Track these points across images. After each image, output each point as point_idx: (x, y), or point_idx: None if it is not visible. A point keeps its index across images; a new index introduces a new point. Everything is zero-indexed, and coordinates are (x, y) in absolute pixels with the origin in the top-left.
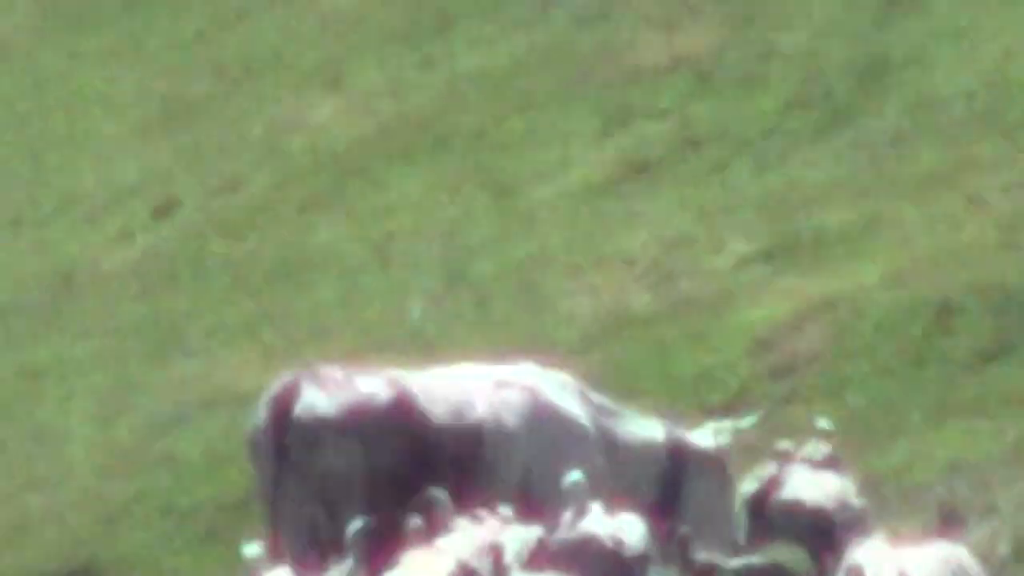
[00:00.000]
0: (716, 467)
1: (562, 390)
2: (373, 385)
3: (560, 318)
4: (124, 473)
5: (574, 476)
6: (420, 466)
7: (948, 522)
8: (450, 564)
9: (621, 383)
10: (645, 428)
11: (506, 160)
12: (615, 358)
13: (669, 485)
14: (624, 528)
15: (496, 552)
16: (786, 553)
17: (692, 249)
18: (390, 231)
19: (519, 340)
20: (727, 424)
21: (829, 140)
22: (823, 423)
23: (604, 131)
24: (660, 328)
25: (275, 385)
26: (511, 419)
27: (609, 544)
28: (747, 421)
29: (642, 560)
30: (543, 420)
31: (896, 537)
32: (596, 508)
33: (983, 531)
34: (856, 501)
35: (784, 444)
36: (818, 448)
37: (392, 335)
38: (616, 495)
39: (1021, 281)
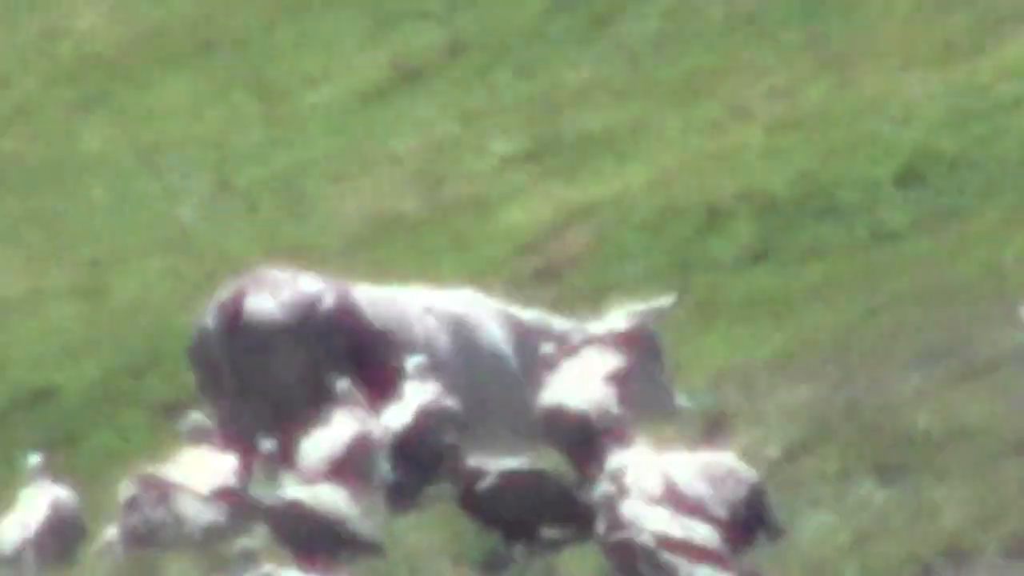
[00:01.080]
0: (646, 344)
1: (489, 318)
2: (317, 287)
3: (327, 222)
4: None
5: (415, 359)
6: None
7: (714, 428)
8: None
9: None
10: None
11: (274, 65)
12: (381, 261)
13: None
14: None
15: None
16: (547, 459)
17: (457, 153)
18: (159, 136)
19: (287, 245)
20: (638, 305)
21: (591, 43)
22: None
23: (372, 36)
24: (425, 231)
25: (222, 292)
26: (441, 346)
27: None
28: (663, 300)
29: None
30: (467, 350)
31: (660, 443)
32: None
33: (750, 437)
34: (616, 407)
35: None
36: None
37: (162, 239)
38: None
39: (783, 185)
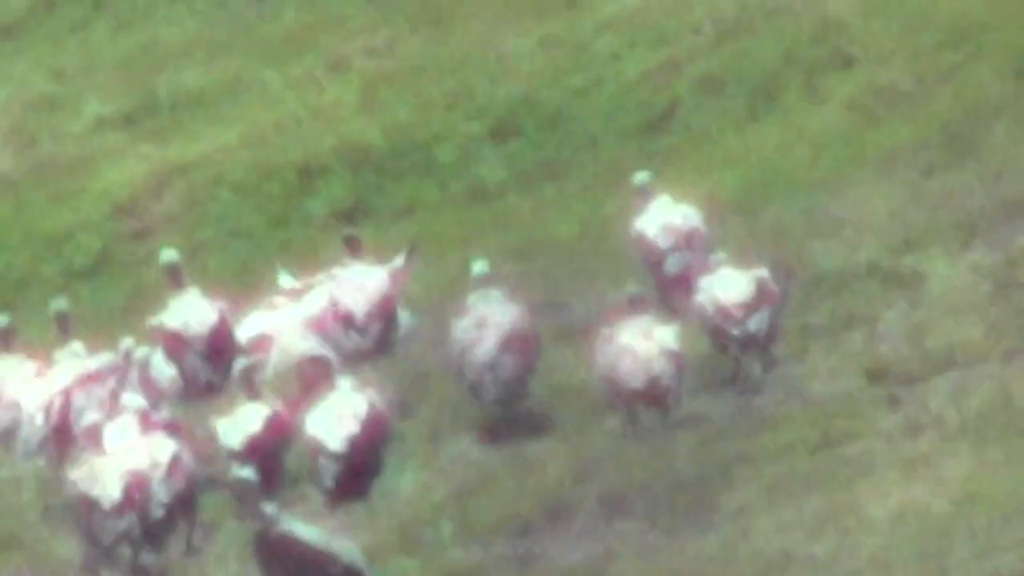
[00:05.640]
0: None
1: None
2: None
3: None
4: None
5: None
6: None
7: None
8: None
9: None
10: None
11: None
12: None
13: None
14: None
15: None
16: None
17: (52, 112)
18: None
19: None
20: None
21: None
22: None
23: None
24: (21, 190)
25: None
26: None
27: None
28: None
29: None
30: None
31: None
32: None
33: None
34: None
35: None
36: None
37: None
38: None
39: (379, 142)
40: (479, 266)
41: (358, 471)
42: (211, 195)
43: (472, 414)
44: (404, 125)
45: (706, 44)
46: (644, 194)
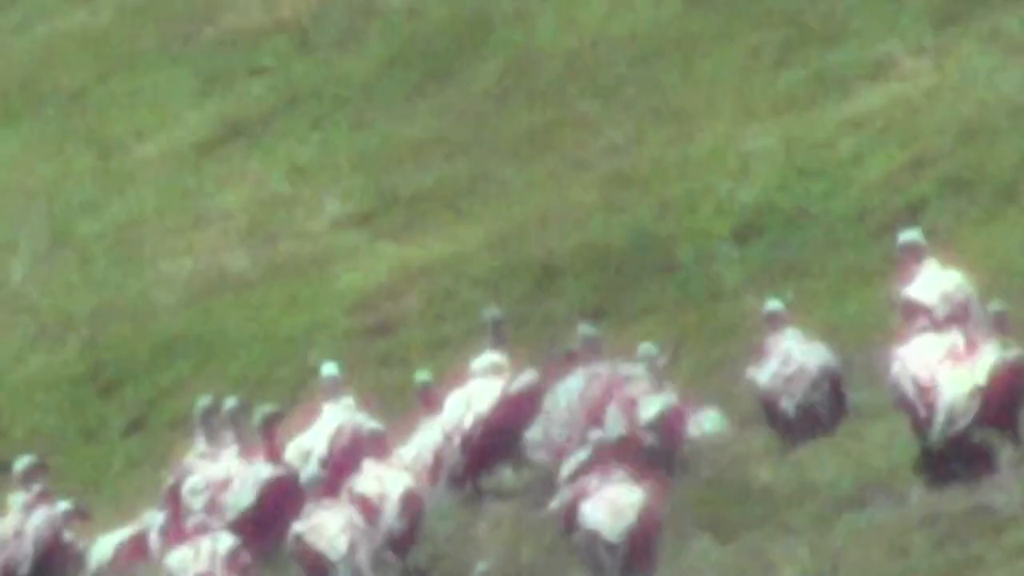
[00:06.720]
0: None
1: None
2: None
3: (160, 278)
4: None
5: None
6: None
7: None
8: None
9: (219, 344)
10: None
11: (107, 119)
12: (214, 319)
13: None
14: None
15: None
16: None
17: (290, 210)
18: None
19: (119, 300)
20: None
21: (428, 98)
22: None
23: (204, 91)
24: (258, 289)
25: None
26: None
27: None
28: None
29: None
30: None
31: None
32: None
33: None
34: None
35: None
36: None
37: None
38: None
39: (621, 241)
40: (774, 304)
41: (634, 562)
42: (452, 294)
43: (709, 512)
44: (645, 225)
45: (949, 145)
46: (914, 253)
